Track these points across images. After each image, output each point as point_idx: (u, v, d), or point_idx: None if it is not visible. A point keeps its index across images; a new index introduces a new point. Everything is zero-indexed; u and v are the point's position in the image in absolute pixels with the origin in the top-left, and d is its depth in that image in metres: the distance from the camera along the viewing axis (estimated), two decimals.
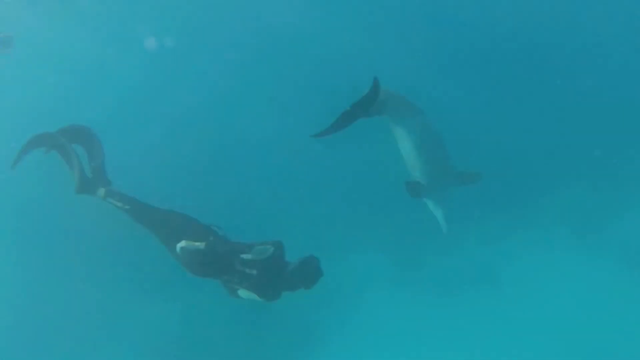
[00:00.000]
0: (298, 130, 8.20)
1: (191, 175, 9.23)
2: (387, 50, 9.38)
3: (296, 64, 9.55)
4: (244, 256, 5.94)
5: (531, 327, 9.17)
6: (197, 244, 6.07)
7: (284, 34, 9.49)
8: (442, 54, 9.46)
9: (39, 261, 9.16)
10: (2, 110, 9.12)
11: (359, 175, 9.43)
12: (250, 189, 9.37)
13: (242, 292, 6.09)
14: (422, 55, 9.41)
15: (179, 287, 8.60)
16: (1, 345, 9.11)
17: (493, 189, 8.57)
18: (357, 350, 9.65)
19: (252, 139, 9.55)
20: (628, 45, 9.60)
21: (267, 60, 9.64)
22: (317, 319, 9.67)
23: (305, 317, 9.56)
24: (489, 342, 9.29)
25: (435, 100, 8.51)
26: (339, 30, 9.36)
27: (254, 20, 9.67)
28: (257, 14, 9.66)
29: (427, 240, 9.22)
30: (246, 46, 9.65)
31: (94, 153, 6.75)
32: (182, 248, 6.09)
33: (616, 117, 9.41)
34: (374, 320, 9.71)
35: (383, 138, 8.00)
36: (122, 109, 9.41)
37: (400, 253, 9.75)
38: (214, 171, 9.39)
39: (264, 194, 9.35)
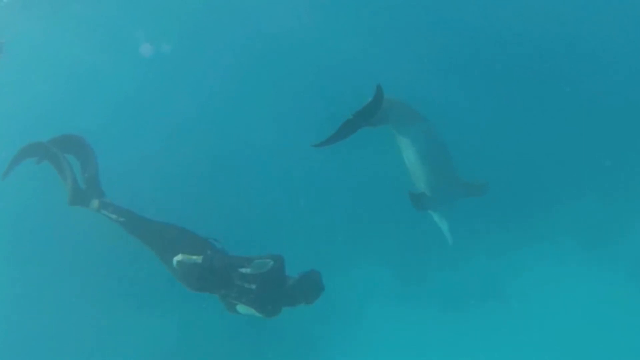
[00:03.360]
0: (299, 140, 8.15)
1: (188, 186, 9.16)
2: (391, 56, 9.34)
3: (297, 71, 9.50)
4: (243, 270, 5.79)
5: (539, 343, 9.05)
6: (194, 257, 5.92)
7: (285, 39, 9.48)
8: (448, 60, 9.42)
9: (32, 275, 9.05)
10: None
11: (361, 186, 9.33)
12: (250, 200, 9.28)
13: (241, 308, 5.93)
14: (427, 61, 9.36)
15: (175, 301, 8.51)
16: None
17: (500, 200, 8.47)
18: None
19: (251, 149, 9.49)
20: None
21: (267, 67, 9.61)
22: (319, 334, 9.53)
23: (307, 332, 9.43)
24: (496, 358, 9.13)
25: (441, 108, 8.38)
26: (341, 36, 9.35)
27: (253, 25, 9.66)
28: (257, 19, 9.66)
29: (432, 253, 9.11)
30: (245, 52, 9.64)
31: (87, 163, 6.64)
32: (178, 262, 5.96)
33: (627, 126, 9.30)
34: (376, 335, 9.60)
35: (386, 147, 7.92)
36: (116, 117, 9.39)
37: (404, 266, 9.64)
38: (212, 182, 9.33)
39: (263, 205, 9.25)
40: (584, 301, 9.21)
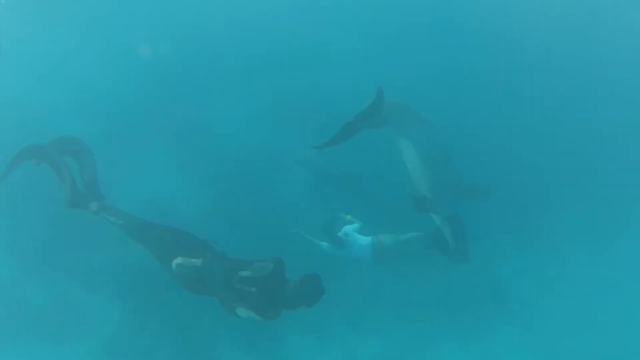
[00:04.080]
0: (299, 142, 8.14)
1: (187, 188, 9.12)
2: (392, 58, 9.32)
3: (297, 72, 9.48)
4: (243, 273, 5.82)
5: (542, 348, 9.05)
6: (193, 260, 5.98)
7: (285, 41, 9.44)
8: (449, 62, 9.38)
9: (32, 275, 9.02)
10: None
11: (361, 188, 9.25)
12: (250, 203, 9.22)
13: (241, 311, 5.94)
14: (428, 63, 9.33)
15: (175, 304, 8.45)
16: None
17: (502, 203, 8.41)
18: None
19: (251, 151, 9.45)
20: None
21: (267, 68, 9.57)
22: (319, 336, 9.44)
23: (307, 335, 9.32)
24: None
25: (442, 110, 8.35)
26: (342, 37, 9.32)
27: (253, 26, 9.64)
28: (257, 20, 9.62)
29: (433, 256, 9.03)
30: (245, 53, 9.61)
31: (85, 166, 6.68)
32: (178, 265, 6.00)
33: (631, 129, 9.28)
34: (377, 338, 9.44)
35: (387, 150, 7.87)
36: (115, 119, 9.33)
37: (405, 269, 9.55)
38: (211, 184, 9.28)
39: (263, 208, 9.19)
40: (585, 303, 9.18)
